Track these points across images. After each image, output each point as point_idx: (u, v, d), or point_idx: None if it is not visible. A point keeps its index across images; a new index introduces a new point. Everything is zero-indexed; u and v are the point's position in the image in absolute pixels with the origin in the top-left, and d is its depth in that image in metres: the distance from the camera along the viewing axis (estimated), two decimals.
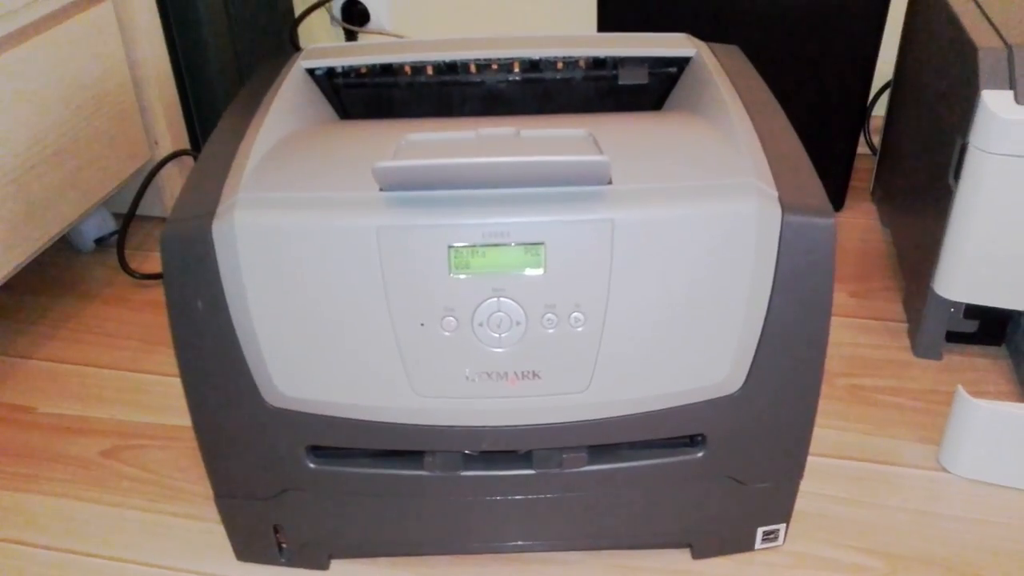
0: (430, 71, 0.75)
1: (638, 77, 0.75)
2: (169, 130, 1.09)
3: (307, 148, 0.61)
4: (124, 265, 1.07)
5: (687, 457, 0.63)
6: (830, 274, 0.56)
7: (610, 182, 0.55)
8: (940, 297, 0.85)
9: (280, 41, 1.28)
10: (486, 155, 0.53)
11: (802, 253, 0.55)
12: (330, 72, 0.75)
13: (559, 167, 0.53)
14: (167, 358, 0.95)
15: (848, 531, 0.73)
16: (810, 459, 0.65)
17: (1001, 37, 0.78)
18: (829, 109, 1.06)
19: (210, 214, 0.56)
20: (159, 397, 0.90)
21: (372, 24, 1.36)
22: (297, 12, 1.33)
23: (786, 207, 0.55)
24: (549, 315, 0.56)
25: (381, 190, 0.55)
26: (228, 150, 0.62)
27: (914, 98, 0.99)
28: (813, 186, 0.57)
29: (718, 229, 0.54)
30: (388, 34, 1.36)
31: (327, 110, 0.74)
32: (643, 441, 0.62)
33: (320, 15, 1.37)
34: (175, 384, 0.90)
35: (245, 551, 0.70)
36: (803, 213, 0.55)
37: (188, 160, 1.13)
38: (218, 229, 0.55)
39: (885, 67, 1.09)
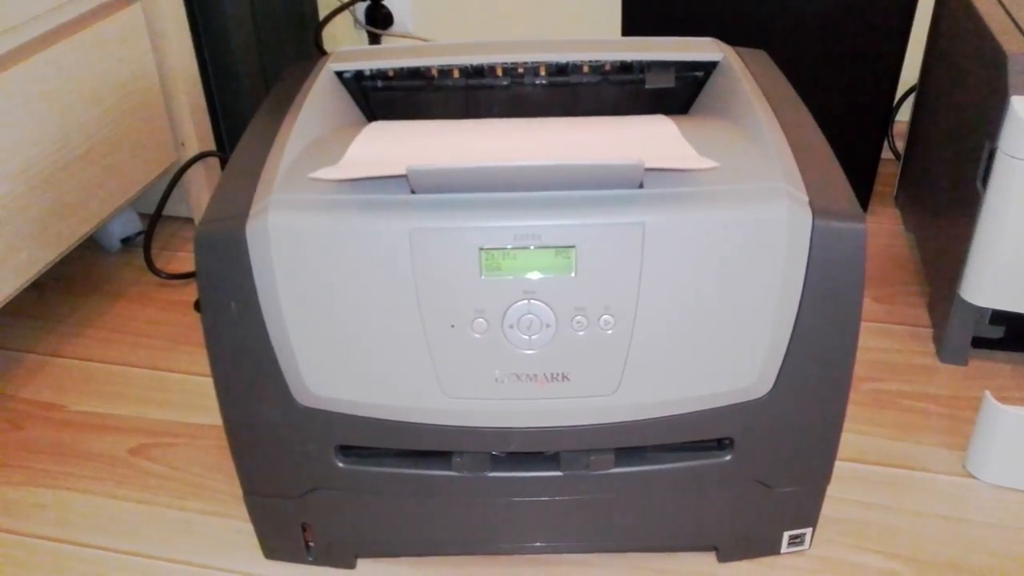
0: (457, 74, 0.75)
1: (665, 81, 0.75)
2: (195, 131, 1.10)
3: (338, 150, 0.62)
4: (150, 265, 1.08)
5: (714, 460, 0.63)
6: (860, 279, 0.56)
7: (641, 185, 0.55)
8: (966, 303, 0.85)
9: (305, 44, 1.29)
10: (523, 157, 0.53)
11: (832, 258, 0.55)
12: (358, 75, 0.76)
13: (591, 171, 0.54)
14: (193, 357, 0.96)
15: (874, 536, 0.73)
16: (836, 464, 0.65)
17: None
18: (854, 113, 1.06)
19: (243, 215, 0.56)
20: (186, 395, 0.91)
21: (396, 27, 1.37)
22: (321, 15, 1.34)
23: (816, 212, 0.55)
24: (579, 317, 0.56)
25: (413, 192, 0.55)
26: (260, 152, 0.62)
27: (940, 103, 0.98)
28: (843, 190, 0.57)
29: (748, 234, 0.54)
30: (412, 37, 1.37)
31: (355, 112, 0.75)
32: (671, 444, 0.63)
33: (344, 18, 1.38)
34: (202, 382, 0.92)
35: (273, 549, 0.71)
36: (833, 218, 0.55)
37: (214, 161, 1.14)
38: (252, 230, 0.55)
39: (910, 71, 1.09)
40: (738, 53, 0.75)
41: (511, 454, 0.63)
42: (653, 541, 0.70)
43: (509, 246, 0.54)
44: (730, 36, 0.81)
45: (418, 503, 0.66)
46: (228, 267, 0.56)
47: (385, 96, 0.77)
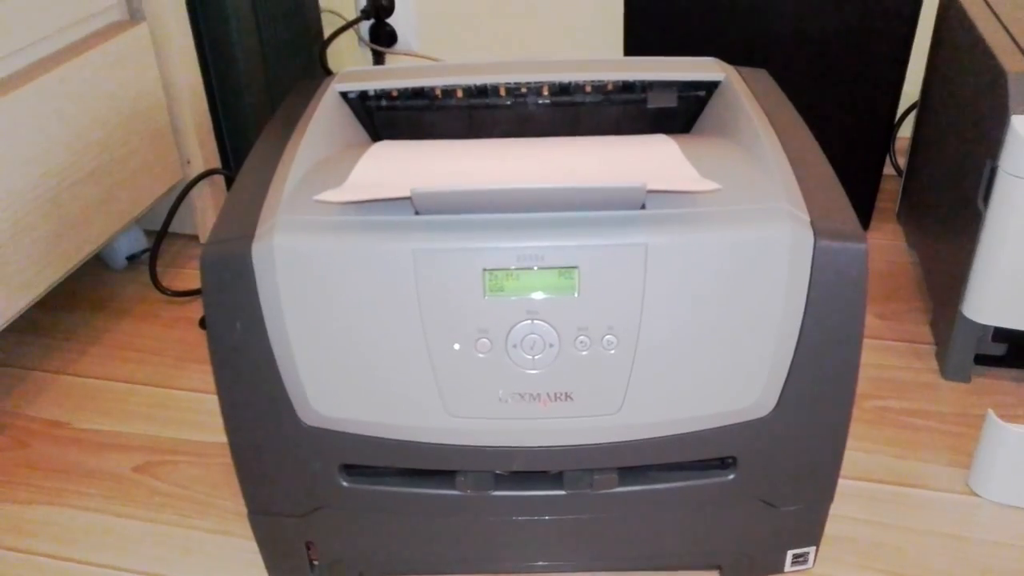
0: (460, 94, 0.76)
1: (667, 101, 0.76)
2: (201, 149, 1.11)
3: (343, 171, 0.62)
4: (156, 282, 1.08)
5: (718, 479, 0.63)
6: (862, 298, 0.56)
7: (643, 206, 0.56)
8: (969, 320, 0.85)
9: (310, 62, 1.30)
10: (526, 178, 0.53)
11: (834, 278, 0.55)
12: (363, 95, 0.76)
13: (594, 193, 0.54)
14: (199, 374, 0.96)
15: (877, 554, 0.72)
16: (839, 482, 0.65)
17: None
18: (855, 130, 1.07)
19: (249, 237, 0.57)
20: (191, 413, 0.91)
21: (399, 45, 1.38)
22: (326, 34, 1.35)
23: (818, 232, 0.55)
24: (582, 338, 0.56)
25: (417, 213, 0.56)
26: (265, 173, 0.63)
27: (941, 120, 0.99)
28: (845, 210, 0.57)
29: (750, 254, 0.55)
30: (415, 55, 1.38)
31: (360, 132, 0.75)
32: (674, 463, 0.63)
33: (348, 36, 1.39)
34: (207, 400, 0.92)
35: (277, 567, 0.71)
36: (835, 238, 0.55)
37: (219, 179, 1.15)
38: (257, 251, 0.56)
39: (911, 88, 1.10)
40: (739, 72, 0.75)
41: (515, 473, 0.63)
42: (656, 560, 0.70)
43: (512, 267, 0.55)
44: (731, 55, 0.82)
45: (422, 522, 0.66)
46: (234, 288, 0.57)
47: (389, 116, 0.77)
